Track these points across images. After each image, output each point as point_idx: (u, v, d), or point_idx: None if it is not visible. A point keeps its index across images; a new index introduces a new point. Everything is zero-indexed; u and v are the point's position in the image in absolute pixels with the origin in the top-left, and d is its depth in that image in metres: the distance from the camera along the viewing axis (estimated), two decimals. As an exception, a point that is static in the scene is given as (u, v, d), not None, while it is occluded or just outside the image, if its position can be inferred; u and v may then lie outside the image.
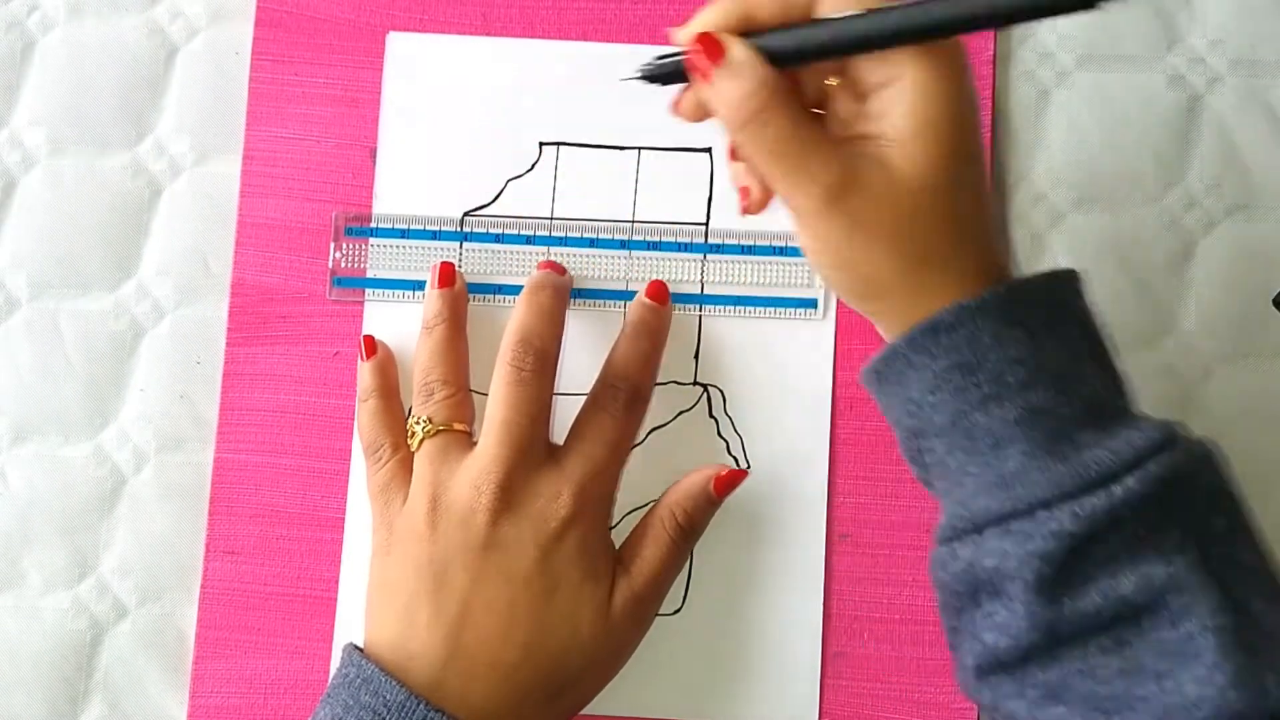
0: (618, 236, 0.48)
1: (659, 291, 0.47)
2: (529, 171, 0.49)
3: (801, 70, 0.38)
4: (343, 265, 0.48)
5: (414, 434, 0.44)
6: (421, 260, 0.48)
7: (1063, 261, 0.48)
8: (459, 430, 0.44)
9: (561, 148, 0.49)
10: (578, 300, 0.48)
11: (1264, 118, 0.49)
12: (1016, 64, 0.49)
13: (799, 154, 0.37)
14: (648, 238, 0.48)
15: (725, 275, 0.48)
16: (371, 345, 0.47)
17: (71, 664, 0.47)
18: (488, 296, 0.48)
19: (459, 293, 0.47)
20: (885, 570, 0.47)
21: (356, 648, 0.42)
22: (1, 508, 0.48)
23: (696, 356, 0.48)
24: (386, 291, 0.48)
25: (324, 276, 0.48)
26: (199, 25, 0.50)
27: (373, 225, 0.48)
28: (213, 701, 0.47)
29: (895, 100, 0.36)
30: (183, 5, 0.50)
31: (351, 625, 0.47)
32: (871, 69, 0.37)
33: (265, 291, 0.48)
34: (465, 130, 0.49)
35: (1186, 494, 0.36)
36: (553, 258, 0.48)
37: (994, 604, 0.36)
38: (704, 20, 0.37)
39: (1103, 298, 0.48)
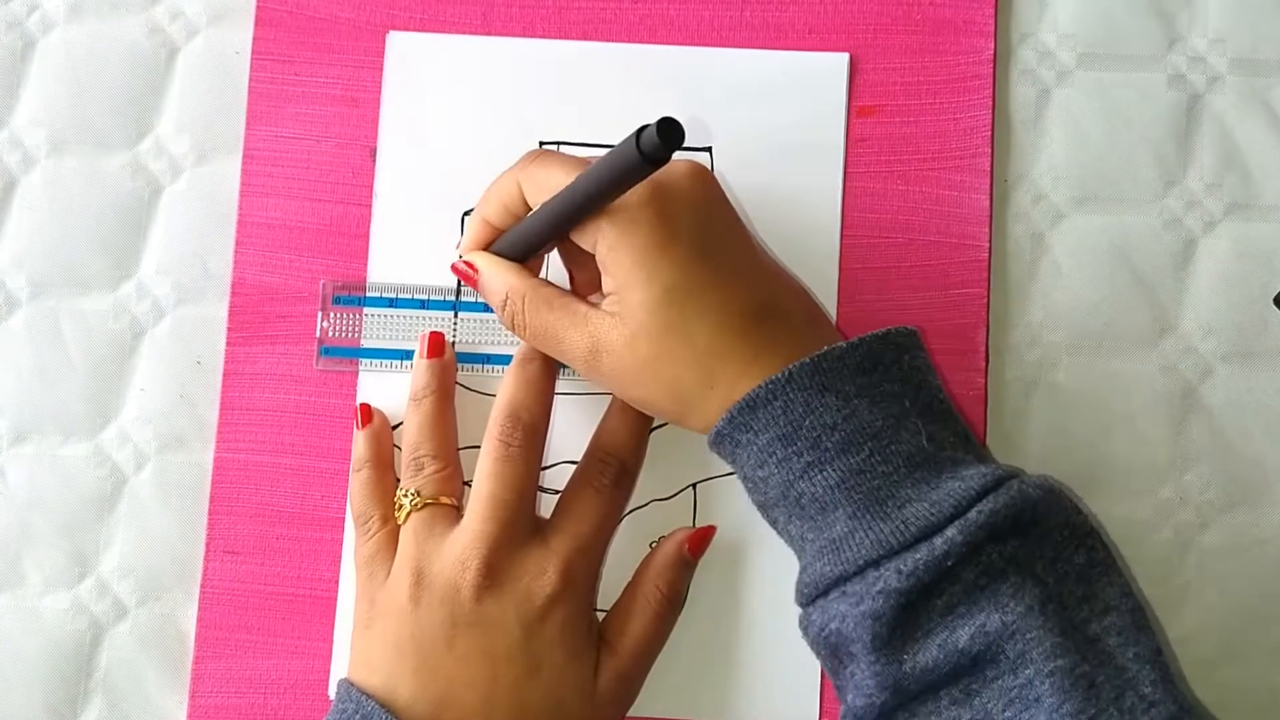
0: None
1: None
2: (529, 171, 0.49)
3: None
4: (330, 335, 0.48)
5: (401, 507, 0.44)
6: (412, 329, 0.48)
7: (1063, 261, 0.48)
8: (446, 504, 0.44)
9: (561, 148, 0.49)
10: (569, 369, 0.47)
11: (1264, 117, 0.49)
12: (1017, 63, 0.49)
13: (554, 337, 0.41)
14: None
15: None
16: (367, 414, 0.47)
17: (71, 664, 0.47)
18: (477, 366, 0.48)
19: (448, 363, 0.47)
20: (885, 570, 0.47)
21: (352, 683, 0.42)
22: (1, 507, 0.48)
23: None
24: (379, 361, 0.48)
25: (323, 276, 0.48)
26: (199, 25, 0.50)
27: (363, 294, 0.48)
28: (212, 701, 0.47)
29: (602, 264, 0.40)
30: (183, 5, 0.50)
31: (350, 626, 0.47)
32: (580, 239, 0.41)
33: (265, 291, 0.48)
34: (465, 130, 0.49)
35: (1030, 535, 0.36)
36: None
37: (852, 665, 0.37)
38: (464, 243, 0.45)
39: (1103, 298, 0.48)
